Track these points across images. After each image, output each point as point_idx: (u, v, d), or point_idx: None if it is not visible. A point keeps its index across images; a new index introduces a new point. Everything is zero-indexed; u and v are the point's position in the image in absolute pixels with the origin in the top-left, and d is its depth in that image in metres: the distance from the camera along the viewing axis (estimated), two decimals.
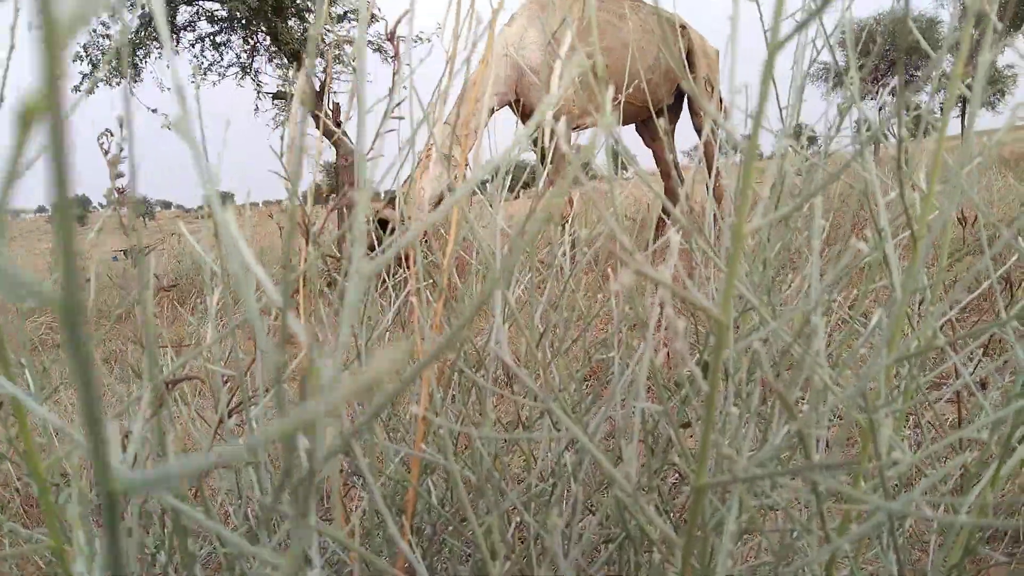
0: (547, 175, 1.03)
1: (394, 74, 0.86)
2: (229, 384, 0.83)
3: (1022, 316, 0.57)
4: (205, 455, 0.18)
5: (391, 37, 0.83)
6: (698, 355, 0.86)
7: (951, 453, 0.75)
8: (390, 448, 0.68)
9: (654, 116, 5.13)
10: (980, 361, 1.27)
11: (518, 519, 0.74)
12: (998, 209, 4.26)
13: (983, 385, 1.59)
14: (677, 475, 1.03)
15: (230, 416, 0.80)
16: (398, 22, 0.83)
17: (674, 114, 5.80)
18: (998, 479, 0.56)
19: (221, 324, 0.83)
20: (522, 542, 0.87)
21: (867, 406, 0.45)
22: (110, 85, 6.14)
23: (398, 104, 0.88)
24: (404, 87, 0.98)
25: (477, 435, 0.50)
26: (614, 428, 0.87)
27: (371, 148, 0.99)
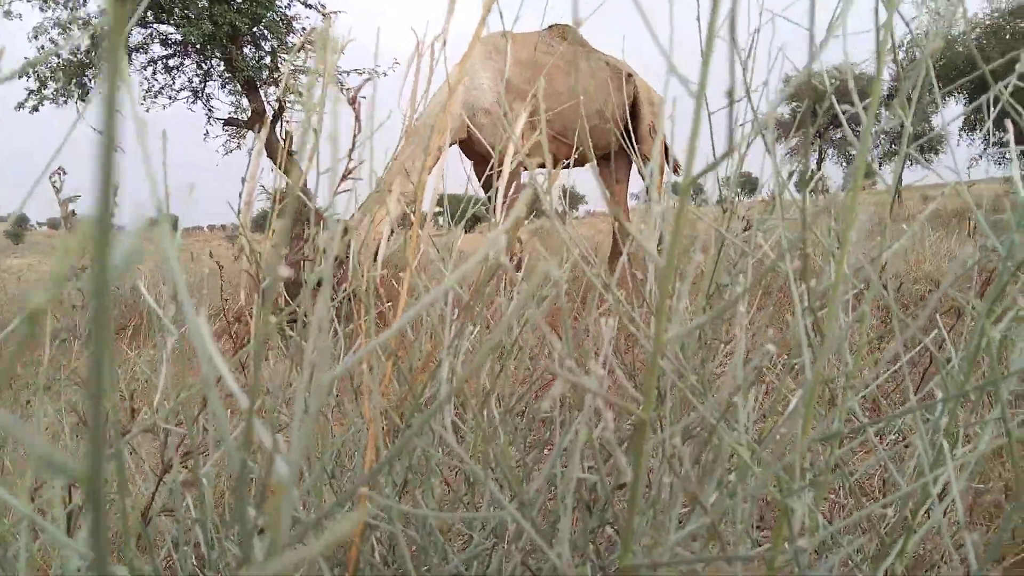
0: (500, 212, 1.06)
1: (354, 136, 0.89)
2: (179, 434, 0.84)
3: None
4: None
5: (353, 101, 0.86)
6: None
7: (867, 522, 0.79)
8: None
9: (594, 160, 5.23)
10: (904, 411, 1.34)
11: None
12: (930, 263, 4.45)
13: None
14: (615, 531, 1.06)
15: (180, 465, 0.80)
16: (359, 88, 0.87)
17: (627, 157, 5.92)
18: (905, 554, 0.60)
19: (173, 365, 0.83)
20: None
21: (781, 489, 0.49)
22: (56, 104, 6.02)
23: (357, 165, 0.91)
24: (359, 119, 1.01)
25: (431, 516, 0.53)
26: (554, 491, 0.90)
27: (328, 208, 1.01)
